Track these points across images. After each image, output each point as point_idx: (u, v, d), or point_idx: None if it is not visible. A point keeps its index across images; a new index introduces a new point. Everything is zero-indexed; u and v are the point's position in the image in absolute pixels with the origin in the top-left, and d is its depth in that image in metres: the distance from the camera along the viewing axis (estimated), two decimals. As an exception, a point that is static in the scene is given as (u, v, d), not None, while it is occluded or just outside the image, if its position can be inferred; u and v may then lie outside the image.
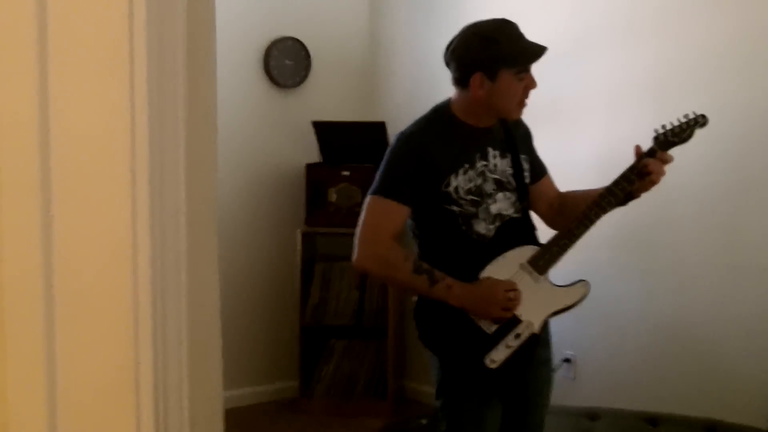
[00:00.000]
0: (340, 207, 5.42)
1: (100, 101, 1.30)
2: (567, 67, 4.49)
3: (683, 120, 2.97)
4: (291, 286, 5.58)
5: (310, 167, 5.52)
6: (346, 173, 5.43)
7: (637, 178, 2.92)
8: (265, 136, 5.70)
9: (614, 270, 4.35)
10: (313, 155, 5.60)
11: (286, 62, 5.70)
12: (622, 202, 2.97)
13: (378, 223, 2.93)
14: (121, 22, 1.30)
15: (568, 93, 4.57)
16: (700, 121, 2.97)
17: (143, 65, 1.31)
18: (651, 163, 2.90)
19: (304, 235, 5.50)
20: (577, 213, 2.97)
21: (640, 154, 2.94)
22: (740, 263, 3.87)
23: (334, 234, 5.49)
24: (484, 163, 2.96)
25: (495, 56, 2.89)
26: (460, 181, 2.91)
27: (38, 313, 1.31)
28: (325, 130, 5.50)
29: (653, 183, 2.93)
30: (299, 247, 5.48)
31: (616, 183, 2.93)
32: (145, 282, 1.31)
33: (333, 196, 5.43)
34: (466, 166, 2.93)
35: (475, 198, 2.93)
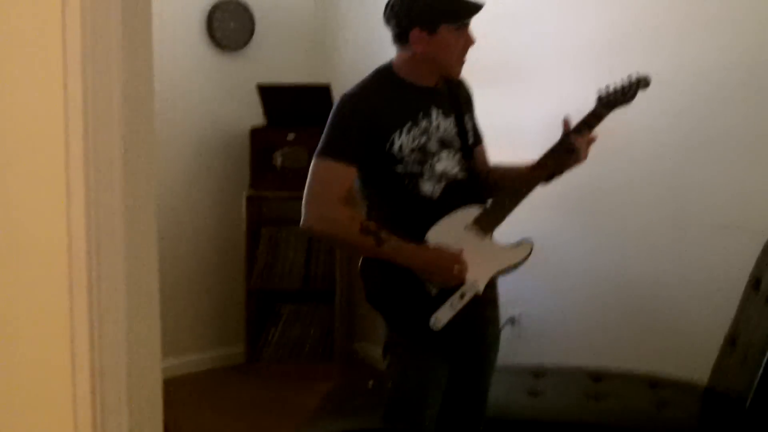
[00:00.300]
0: (286, 170, 5.39)
1: (33, 64, 1.28)
2: (517, 27, 4.50)
3: (626, 81, 3.01)
4: (237, 250, 5.55)
5: (255, 131, 5.47)
6: (291, 136, 5.40)
7: (565, 152, 2.95)
8: (210, 100, 5.64)
9: (559, 229, 4.38)
10: (259, 119, 5.55)
11: (231, 24, 5.63)
12: (546, 178, 3.01)
13: (324, 185, 2.93)
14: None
15: (518, 53, 4.57)
16: (642, 82, 3.02)
17: (77, 34, 1.29)
18: (578, 140, 2.94)
19: (250, 199, 5.47)
20: (509, 183, 3.00)
21: (567, 131, 2.98)
22: (683, 221, 3.92)
23: (280, 198, 5.46)
24: (428, 121, 2.97)
25: (434, 10, 2.90)
26: (403, 140, 2.92)
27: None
28: (270, 94, 5.45)
29: (578, 161, 2.98)
30: (244, 210, 5.46)
31: (547, 156, 2.97)
32: (80, 243, 1.29)
33: (278, 160, 5.40)
34: (410, 124, 2.93)
35: (420, 157, 2.94)
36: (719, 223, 3.73)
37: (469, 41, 2.97)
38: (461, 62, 3.01)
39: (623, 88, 3.00)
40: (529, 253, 3.03)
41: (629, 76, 3.01)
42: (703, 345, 3.59)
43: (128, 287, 1.46)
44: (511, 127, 4.48)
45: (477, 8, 2.93)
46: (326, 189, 2.92)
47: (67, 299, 1.29)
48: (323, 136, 2.96)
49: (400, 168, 2.93)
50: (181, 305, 5.39)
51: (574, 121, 2.99)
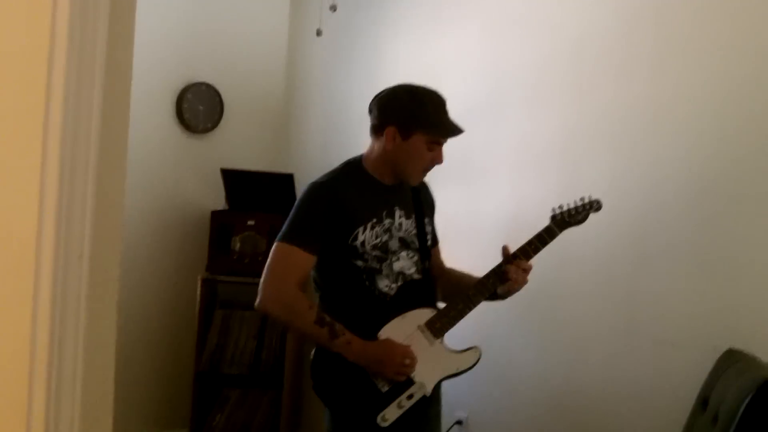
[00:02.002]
0: (243, 255, 5.40)
1: (12, 142, 1.30)
2: (477, 125, 4.57)
3: (579, 203, 3.15)
4: (189, 331, 5.51)
5: (216, 213, 5.49)
6: (251, 222, 5.42)
7: (500, 281, 3.05)
8: (174, 180, 5.67)
9: (510, 333, 4.40)
10: (221, 202, 5.58)
11: (199, 107, 5.70)
12: (491, 298, 3.09)
13: (284, 269, 2.95)
14: (39, 67, 1.30)
15: (478, 150, 4.64)
16: (595, 205, 3.19)
17: (59, 108, 1.32)
18: (511, 270, 3.04)
19: (205, 282, 5.46)
20: (459, 290, 3.10)
21: (504, 258, 3.08)
22: (633, 333, 3.95)
23: (235, 282, 5.46)
24: (390, 220, 3.02)
25: (415, 116, 2.96)
26: (367, 236, 2.96)
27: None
28: (233, 178, 5.49)
29: (513, 290, 3.07)
30: (199, 292, 5.44)
31: (487, 277, 3.08)
32: (44, 331, 1.31)
33: (237, 244, 5.41)
34: (374, 221, 2.98)
35: (381, 254, 2.98)
36: (668, 339, 3.77)
37: (437, 158, 3.04)
38: (423, 174, 3.08)
39: (576, 209, 3.14)
40: (477, 360, 3.09)
41: (582, 199, 3.13)
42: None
43: (85, 365, 1.46)
44: (471, 223, 4.54)
45: (455, 132, 3.02)
46: (286, 273, 2.94)
47: (26, 383, 1.30)
48: (288, 220, 3.00)
49: (359, 262, 2.97)
50: (128, 384, 5.32)
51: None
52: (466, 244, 4.52)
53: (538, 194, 4.29)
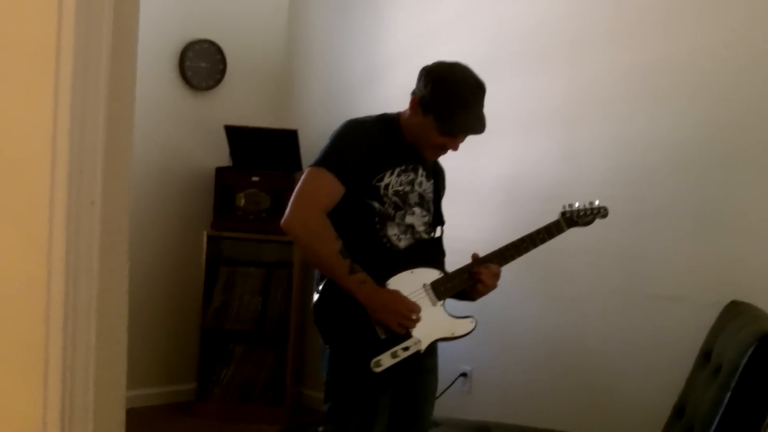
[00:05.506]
0: (247, 212, 5.41)
1: (26, 95, 1.32)
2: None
3: (588, 206, 3.28)
4: (194, 288, 5.53)
5: (220, 171, 5.49)
6: (255, 179, 5.43)
7: (470, 280, 3.12)
8: (177, 138, 5.66)
9: (515, 292, 4.43)
10: (224, 159, 5.59)
11: (201, 64, 5.68)
12: (460, 297, 3.18)
13: (315, 192, 2.96)
14: (49, 22, 1.32)
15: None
16: (602, 212, 3.31)
17: (69, 63, 1.34)
18: (483, 272, 3.08)
19: (210, 238, 5.48)
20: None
21: (475, 260, 3.14)
22: (633, 289, 3.99)
23: (240, 239, 5.48)
24: (414, 175, 3.06)
25: (433, 102, 2.99)
26: (393, 180, 3.01)
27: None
28: (236, 135, 5.48)
29: (480, 293, 3.14)
30: (204, 249, 5.46)
31: (454, 273, 3.15)
32: (58, 274, 1.33)
33: (241, 201, 5.42)
34: (402, 167, 3.03)
35: (399, 202, 3.02)
36: (669, 294, 3.80)
37: (450, 146, 3.07)
38: (433, 153, 3.12)
39: (585, 211, 3.28)
40: (472, 330, 3.15)
41: (591, 203, 3.27)
42: (650, 413, 3.65)
43: (99, 320, 1.49)
44: (471, 181, 4.56)
45: (462, 133, 3.05)
46: (317, 197, 2.96)
47: (43, 325, 1.32)
48: (323, 149, 3.02)
49: (376, 204, 3.00)
50: (134, 339, 5.32)
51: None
52: (466, 202, 4.54)
53: (537, 153, 4.31)
